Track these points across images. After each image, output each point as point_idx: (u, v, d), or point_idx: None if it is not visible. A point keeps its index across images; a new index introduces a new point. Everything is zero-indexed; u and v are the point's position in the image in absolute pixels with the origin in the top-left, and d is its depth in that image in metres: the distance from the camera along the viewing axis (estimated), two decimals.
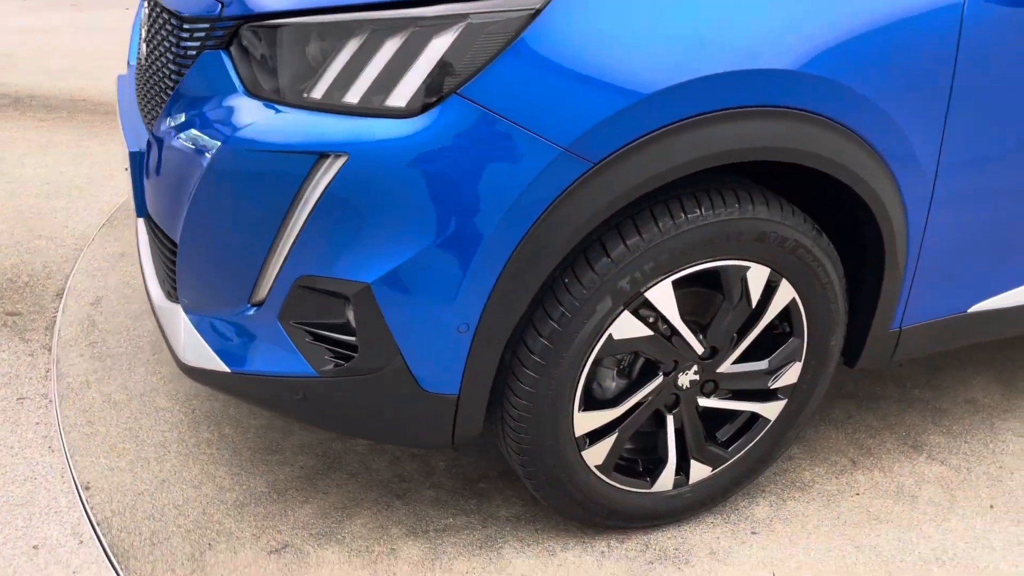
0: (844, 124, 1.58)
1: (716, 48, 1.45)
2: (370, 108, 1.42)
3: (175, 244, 1.67)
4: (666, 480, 1.84)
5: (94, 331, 2.46)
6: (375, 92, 1.42)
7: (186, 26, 1.61)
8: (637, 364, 1.74)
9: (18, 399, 2.13)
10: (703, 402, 1.80)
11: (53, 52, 4.95)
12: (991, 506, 2.03)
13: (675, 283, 1.63)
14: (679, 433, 1.81)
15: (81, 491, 1.90)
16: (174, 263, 1.70)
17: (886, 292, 1.82)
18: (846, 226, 1.80)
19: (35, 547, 1.73)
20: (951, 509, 2.02)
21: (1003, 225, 1.86)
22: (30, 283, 2.58)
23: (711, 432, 1.87)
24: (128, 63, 2.30)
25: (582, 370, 1.63)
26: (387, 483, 1.98)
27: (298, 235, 1.48)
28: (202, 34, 1.58)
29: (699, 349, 1.72)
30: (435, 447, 1.74)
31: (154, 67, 1.81)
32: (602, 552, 1.84)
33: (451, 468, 2.04)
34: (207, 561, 1.75)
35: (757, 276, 1.68)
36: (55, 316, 2.41)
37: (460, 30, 1.38)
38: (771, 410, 1.87)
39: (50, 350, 2.26)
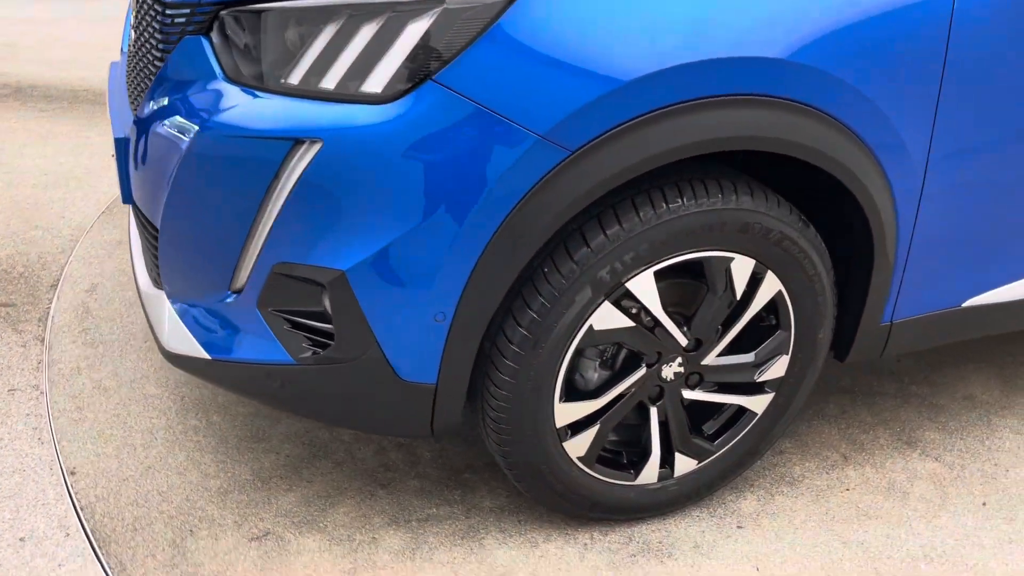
0: (830, 114, 1.55)
1: (698, 35, 1.43)
2: (346, 94, 1.41)
3: (157, 230, 1.67)
4: (650, 473, 1.82)
5: (88, 318, 2.47)
6: (351, 78, 1.41)
7: (168, 11, 1.61)
8: (620, 355, 1.73)
9: (9, 390, 2.14)
10: (688, 394, 1.78)
11: (55, 42, 4.97)
12: (983, 504, 2.01)
13: (658, 274, 1.61)
14: (663, 425, 1.80)
15: (67, 476, 1.91)
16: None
17: (876, 285, 1.80)
18: (836, 218, 1.78)
19: (21, 539, 1.74)
20: (942, 506, 1.99)
21: (997, 218, 1.83)
22: (25, 274, 2.59)
23: (697, 425, 1.85)
24: (121, 50, 2.30)
25: (562, 361, 1.61)
26: (372, 472, 1.98)
27: (275, 222, 1.47)
28: (183, 19, 1.57)
29: (683, 341, 1.70)
30: (414, 436, 1.74)
31: (140, 53, 1.81)
32: (585, 544, 1.83)
33: (437, 458, 2.03)
34: (188, 547, 1.76)
35: (742, 267, 1.66)
36: (49, 307, 2.42)
37: (436, 15, 1.37)
38: (758, 403, 1.85)
39: (43, 341, 2.27)
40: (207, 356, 1.66)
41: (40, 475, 1.89)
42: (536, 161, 1.41)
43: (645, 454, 1.80)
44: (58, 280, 2.56)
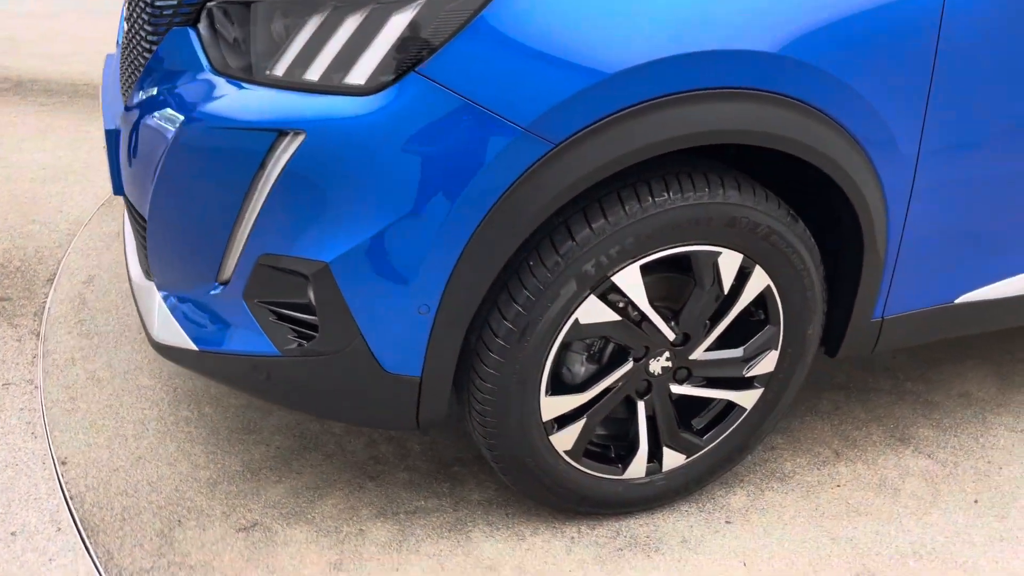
0: (818, 108, 1.54)
1: (683, 28, 1.42)
2: (330, 86, 1.41)
3: (146, 221, 1.68)
4: (638, 467, 1.82)
5: (84, 309, 2.48)
6: (335, 70, 1.41)
7: (157, 3, 1.61)
8: (607, 349, 1.72)
9: (3, 385, 2.15)
10: (676, 389, 1.78)
11: (56, 37, 4.98)
12: (975, 501, 2.00)
13: (644, 268, 1.61)
14: (651, 420, 1.79)
15: (58, 466, 1.92)
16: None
17: (866, 281, 1.79)
18: (826, 213, 1.77)
19: (13, 533, 1.74)
20: (933, 503, 1.98)
21: (991, 214, 1.82)
22: (21, 268, 2.59)
23: (686, 420, 1.85)
24: (116, 43, 2.31)
25: (548, 354, 1.61)
26: (361, 465, 1.98)
27: (259, 213, 1.47)
28: (170, 11, 1.58)
29: (670, 335, 1.70)
30: (400, 429, 1.74)
31: (131, 45, 1.81)
32: (572, 538, 1.83)
33: (427, 451, 2.04)
34: (175, 537, 1.76)
35: (729, 262, 1.66)
36: (45, 302, 2.42)
37: (420, 7, 1.37)
38: (747, 399, 1.84)
39: (38, 335, 2.28)
40: (195, 348, 1.66)
41: (32, 470, 1.89)
42: (519, 154, 1.41)
43: (633, 448, 1.80)
44: (54, 274, 2.56)
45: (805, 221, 1.77)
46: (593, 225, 1.53)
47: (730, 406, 1.86)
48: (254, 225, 1.49)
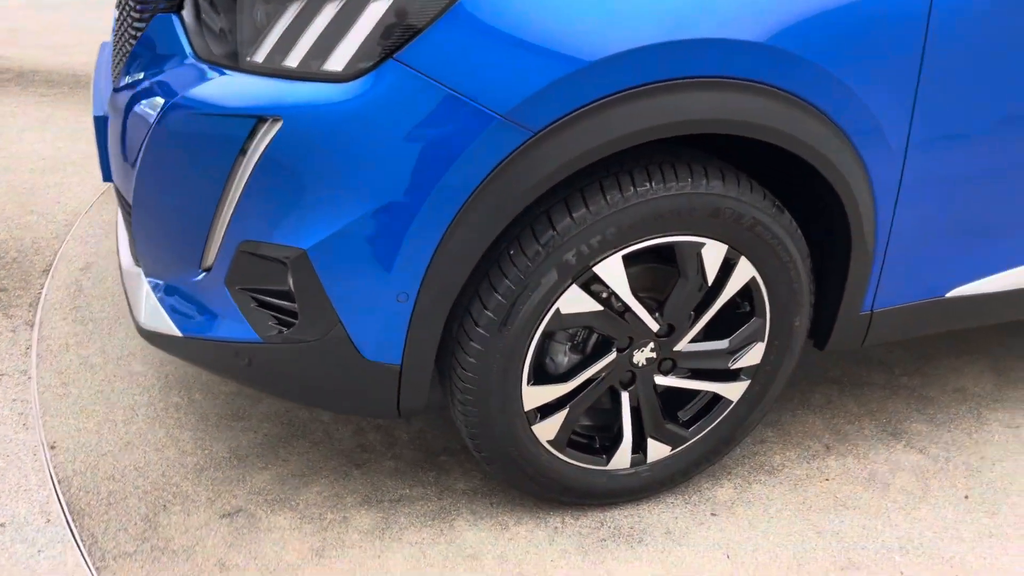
0: (804, 98, 1.53)
1: (665, 16, 1.41)
2: (309, 72, 1.41)
3: (131, 206, 1.68)
4: (623, 458, 1.81)
5: (80, 296, 2.50)
6: (314, 56, 1.41)
7: None
8: (591, 340, 1.72)
9: None
10: (661, 380, 1.77)
11: (59, 27, 4.98)
12: (966, 497, 1.98)
13: (629, 258, 1.60)
14: (636, 411, 1.79)
15: (47, 450, 1.93)
16: None
17: (854, 274, 1.77)
18: (814, 205, 1.75)
19: (2, 524, 1.74)
20: (923, 498, 1.97)
21: (981, 207, 1.80)
22: (18, 259, 2.60)
23: (672, 411, 1.84)
24: (112, 30, 2.31)
25: (530, 344, 1.61)
26: (348, 453, 1.99)
27: (239, 199, 1.48)
28: None
29: (654, 326, 1.69)
30: (380, 417, 1.74)
31: (120, 31, 1.82)
32: (555, 528, 1.83)
33: (415, 440, 2.04)
34: (160, 522, 1.78)
35: (713, 253, 1.65)
36: (40, 292, 2.43)
37: None
38: (733, 391, 1.83)
39: (32, 326, 2.29)
40: (179, 334, 1.67)
41: (23, 461, 1.90)
42: (498, 142, 1.40)
43: (617, 439, 1.80)
44: (51, 265, 2.57)
45: (792, 212, 1.76)
46: (574, 215, 1.53)
47: (716, 398, 1.85)
48: (234, 211, 1.49)
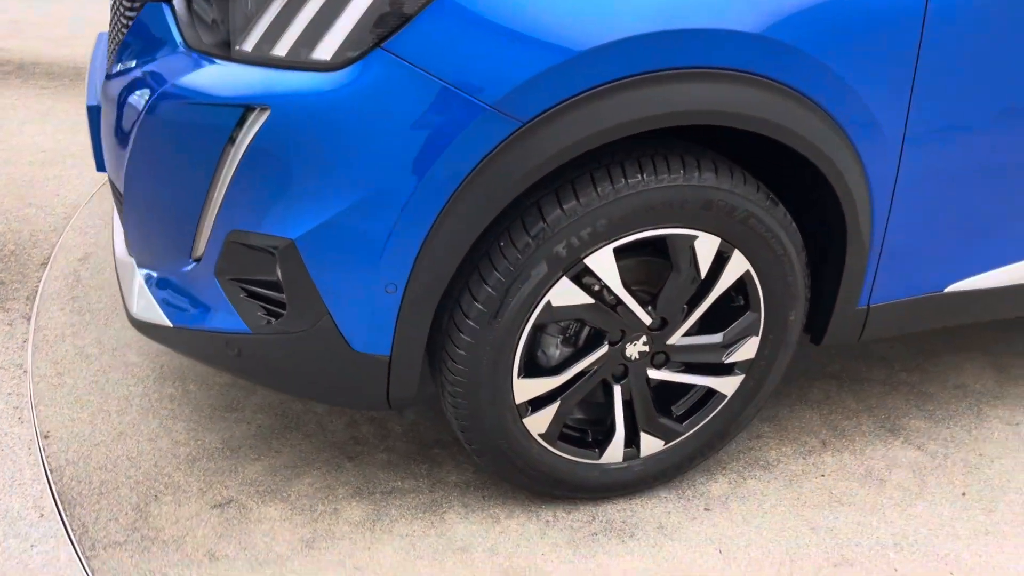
0: (798, 90, 1.52)
1: (658, 5, 1.40)
2: (297, 61, 1.40)
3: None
4: (615, 452, 1.80)
5: (78, 286, 2.50)
6: (302, 45, 1.40)
7: None
8: (583, 332, 1.71)
9: None
10: (654, 374, 1.76)
11: (61, 19, 4.96)
12: (963, 494, 1.96)
13: (621, 251, 1.59)
14: (628, 405, 1.78)
15: (40, 439, 1.94)
16: None
17: (850, 268, 1.76)
18: (810, 199, 1.74)
19: None
20: (920, 495, 1.95)
21: (979, 202, 1.78)
22: (15, 252, 2.60)
23: (665, 405, 1.83)
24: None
25: (520, 336, 1.60)
26: (341, 445, 1.98)
27: (228, 189, 1.47)
28: None
29: (646, 320, 1.68)
30: (370, 408, 1.74)
31: (113, 20, 1.82)
32: (547, 521, 1.82)
33: (408, 433, 2.03)
34: (151, 512, 1.78)
35: (706, 246, 1.63)
36: (38, 286, 2.43)
37: None
38: (727, 385, 1.82)
39: (29, 320, 2.29)
40: (169, 324, 1.67)
41: (17, 454, 1.89)
42: (486, 132, 1.39)
43: (610, 433, 1.79)
44: (48, 258, 2.57)
45: (788, 206, 1.74)
46: (564, 206, 1.51)
47: (710, 392, 1.84)
48: (223, 201, 1.49)
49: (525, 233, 1.52)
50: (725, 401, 1.84)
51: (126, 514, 1.77)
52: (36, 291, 2.41)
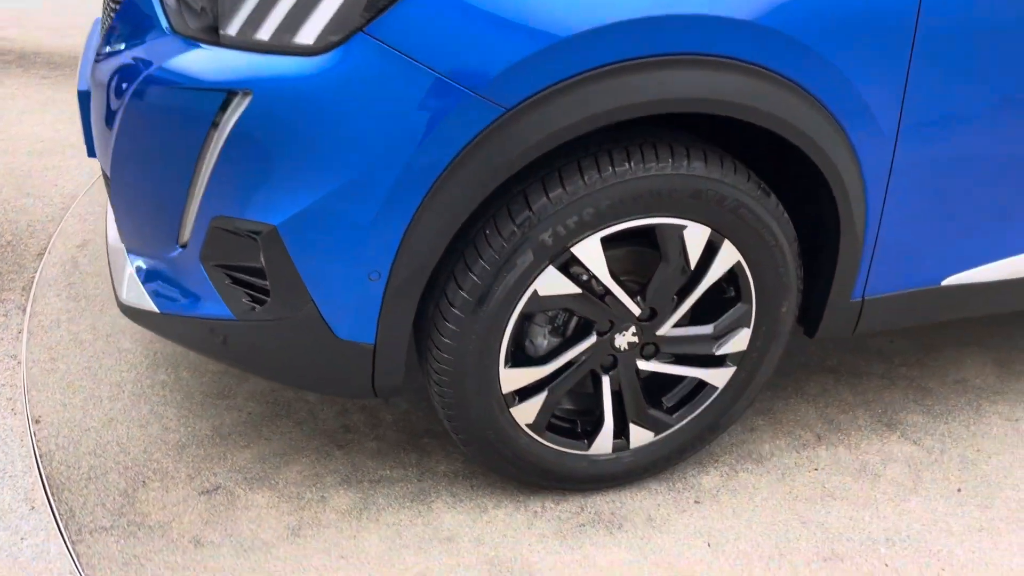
0: (790, 79, 1.49)
1: None
2: (279, 45, 1.39)
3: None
4: (604, 443, 1.79)
5: (75, 272, 2.50)
6: (285, 29, 1.39)
7: None
8: (571, 322, 1.69)
9: None
10: (643, 365, 1.74)
11: (62, 9, 4.93)
12: (959, 489, 1.94)
13: (611, 240, 1.57)
14: (617, 396, 1.76)
15: (31, 424, 1.94)
16: None
17: (844, 259, 1.73)
18: (807, 189, 1.71)
19: None
20: (914, 490, 1.93)
21: (976, 192, 1.75)
22: (12, 242, 2.60)
23: (656, 397, 1.82)
24: None
25: (506, 326, 1.59)
26: (331, 433, 1.98)
27: (211, 174, 1.46)
28: None
29: (635, 310, 1.66)
30: (356, 396, 1.73)
31: (104, 4, 1.81)
32: (535, 512, 1.81)
33: (399, 422, 2.03)
34: (138, 497, 1.78)
35: (696, 236, 1.61)
36: (34, 276, 2.42)
37: None
38: (718, 377, 1.80)
39: (24, 311, 2.28)
40: (156, 310, 1.67)
41: (10, 447, 1.89)
42: (469, 118, 1.38)
43: (599, 424, 1.77)
44: (45, 248, 2.56)
45: (785, 196, 1.72)
46: (551, 194, 1.50)
47: (701, 384, 1.82)
48: (207, 186, 1.48)
49: (511, 221, 1.51)
50: (716, 393, 1.82)
51: (113, 499, 1.77)
52: (32, 281, 2.40)
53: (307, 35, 1.37)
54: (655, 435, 1.82)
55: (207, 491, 1.80)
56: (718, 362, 1.79)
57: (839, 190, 1.63)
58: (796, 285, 1.75)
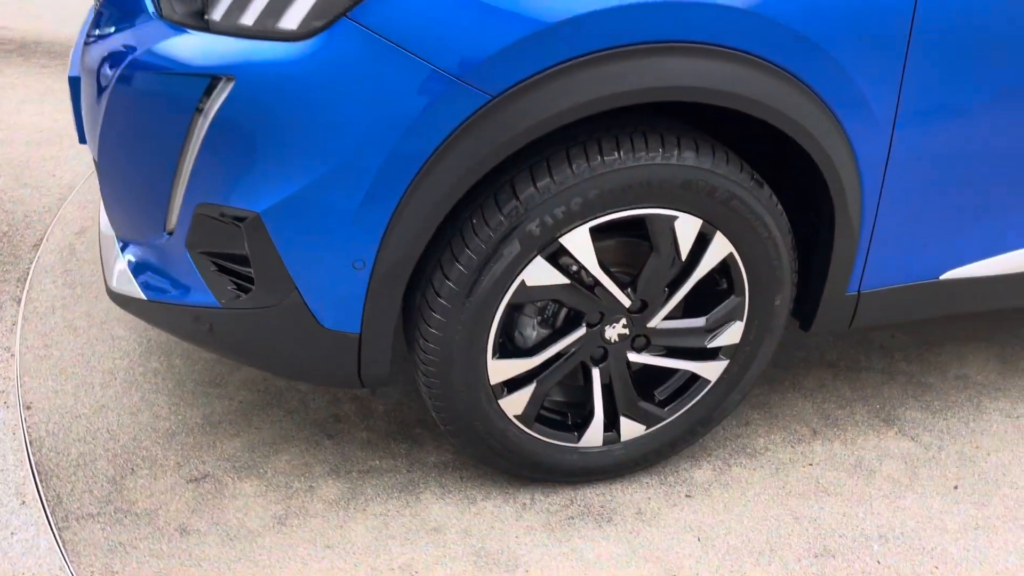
0: (784, 68, 1.47)
1: None
2: (264, 31, 1.38)
3: None
4: (594, 436, 1.77)
5: (72, 259, 2.50)
6: (269, 14, 1.37)
7: None
8: (561, 314, 1.68)
9: None
10: (634, 358, 1.72)
11: None
12: (955, 487, 1.91)
13: (598, 231, 1.55)
14: (608, 388, 1.74)
15: (23, 410, 1.94)
16: None
17: (839, 252, 1.71)
18: (802, 181, 1.69)
19: None
20: (910, 487, 1.90)
21: (975, 186, 1.72)
22: (8, 233, 2.59)
23: (648, 390, 1.80)
24: None
25: (494, 316, 1.57)
26: (322, 423, 1.97)
27: (195, 161, 1.45)
28: None
29: (626, 302, 1.64)
30: (343, 386, 1.72)
31: None
32: (524, 504, 1.80)
33: (391, 412, 2.02)
34: (126, 485, 1.77)
35: (687, 227, 1.59)
36: (29, 268, 2.41)
37: None
38: (711, 370, 1.78)
39: (19, 302, 2.28)
40: (143, 297, 1.66)
41: (2, 440, 1.88)
42: (453, 105, 1.36)
43: (589, 417, 1.76)
44: (41, 239, 2.56)
45: (782, 188, 1.70)
46: (538, 184, 1.48)
47: (694, 378, 1.80)
48: (192, 173, 1.47)
49: (498, 211, 1.49)
50: (709, 387, 1.80)
51: (101, 486, 1.77)
52: (28, 272, 2.40)
53: (291, 20, 1.36)
54: (646, 428, 1.80)
55: (195, 479, 1.80)
56: (711, 355, 1.77)
57: (833, 181, 1.60)
58: (790, 278, 1.72)
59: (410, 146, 1.38)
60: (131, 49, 1.50)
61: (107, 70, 1.53)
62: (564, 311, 1.67)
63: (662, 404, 1.80)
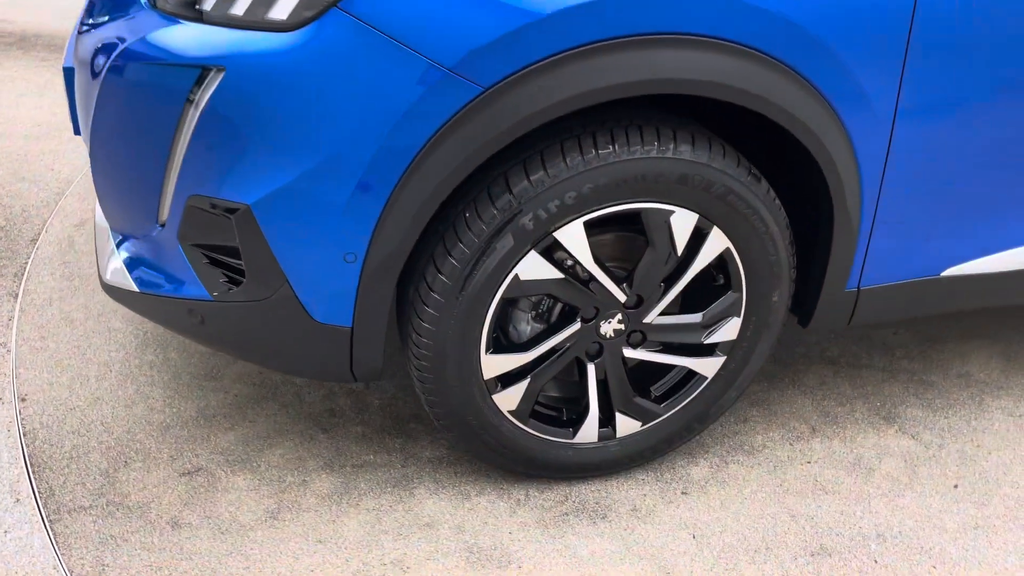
0: (781, 60, 1.45)
1: None
2: (253, 21, 1.37)
3: None
4: (589, 432, 1.76)
5: (71, 251, 2.50)
6: (259, 4, 1.36)
7: None
8: (556, 309, 1.66)
9: None
10: (630, 353, 1.71)
11: None
12: (955, 486, 1.89)
13: (593, 225, 1.54)
14: (603, 384, 1.73)
15: (17, 402, 1.94)
16: None
17: (838, 248, 1.69)
18: (802, 177, 1.67)
19: None
20: (909, 486, 1.88)
21: (975, 181, 1.70)
22: (6, 227, 2.59)
23: (644, 386, 1.78)
24: None
25: (487, 311, 1.56)
26: (316, 417, 1.96)
27: (186, 152, 1.44)
28: None
29: (621, 297, 1.62)
30: (335, 380, 1.70)
31: None
32: (518, 500, 1.78)
33: (386, 406, 2.01)
34: (119, 477, 1.77)
35: (683, 221, 1.57)
36: (26, 263, 2.41)
37: None
38: (707, 366, 1.76)
39: (16, 297, 2.27)
40: (136, 289, 1.65)
41: None
42: (445, 97, 1.34)
43: (584, 413, 1.74)
44: (39, 234, 2.55)
45: (781, 184, 1.68)
46: (532, 177, 1.46)
47: (691, 374, 1.78)
48: (183, 164, 1.46)
49: (491, 204, 1.47)
50: (706, 383, 1.79)
51: (94, 479, 1.76)
52: (24, 268, 2.39)
53: (281, 10, 1.34)
54: (642, 424, 1.79)
55: (188, 472, 1.79)
56: (707, 351, 1.75)
57: (832, 177, 1.58)
58: (789, 274, 1.70)
59: (401, 138, 1.36)
60: (122, 39, 1.49)
61: (99, 60, 1.52)
62: (559, 306, 1.66)
63: (658, 400, 1.78)
